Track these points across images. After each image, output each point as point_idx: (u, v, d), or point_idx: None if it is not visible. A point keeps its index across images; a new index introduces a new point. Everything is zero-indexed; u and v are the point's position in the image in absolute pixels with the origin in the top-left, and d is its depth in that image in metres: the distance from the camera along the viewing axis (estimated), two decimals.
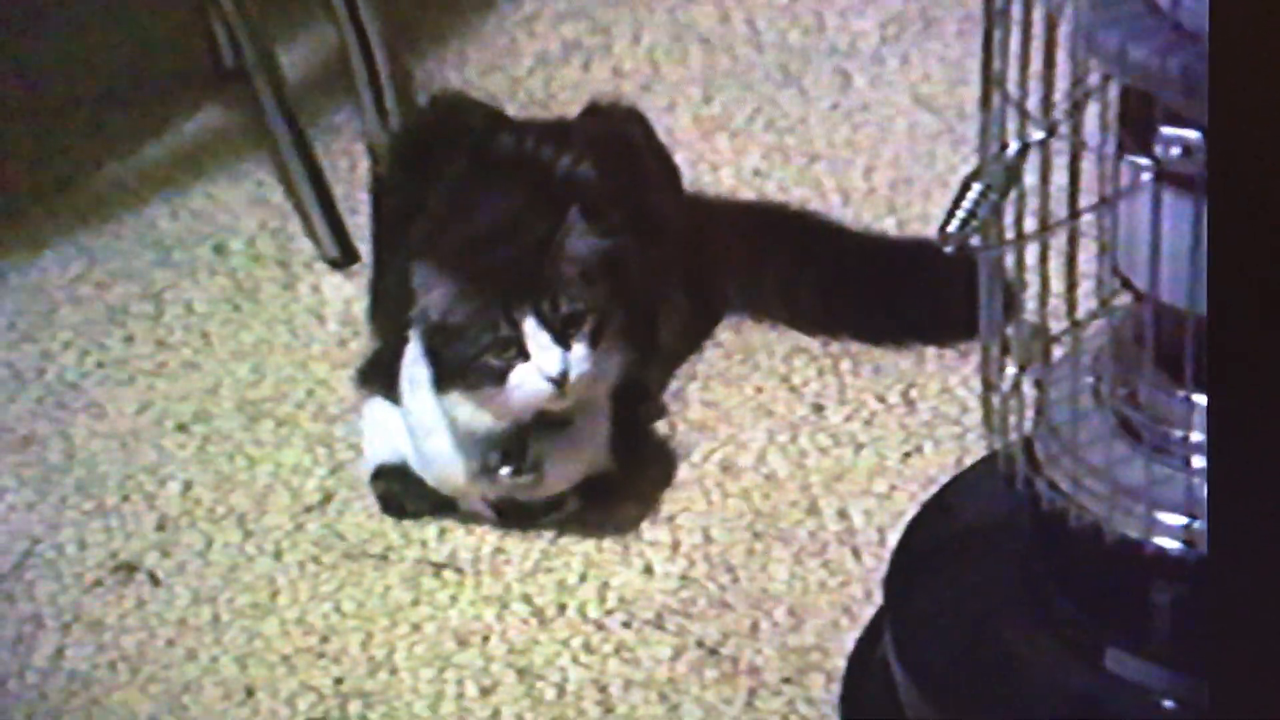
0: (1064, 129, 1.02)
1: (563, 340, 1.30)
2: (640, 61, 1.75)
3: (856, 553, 1.32)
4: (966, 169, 1.60)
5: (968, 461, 1.36)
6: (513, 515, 1.36)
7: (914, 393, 1.43)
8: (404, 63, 1.71)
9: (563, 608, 1.31)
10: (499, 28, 1.80)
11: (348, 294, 1.56)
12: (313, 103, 1.69)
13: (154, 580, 1.35)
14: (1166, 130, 0.96)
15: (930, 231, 1.57)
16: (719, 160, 1.64)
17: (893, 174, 1.61)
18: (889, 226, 1.56)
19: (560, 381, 1.29)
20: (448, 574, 1.34)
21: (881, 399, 1.43)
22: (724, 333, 1.49)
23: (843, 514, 1.35)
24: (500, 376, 1.29)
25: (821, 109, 1.69)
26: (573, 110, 1.62)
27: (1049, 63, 1.02)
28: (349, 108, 1.69)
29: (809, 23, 1.77)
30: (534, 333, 1.29)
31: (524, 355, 1.30)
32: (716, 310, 1.49)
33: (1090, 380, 1.06)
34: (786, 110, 1.69)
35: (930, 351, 1.44)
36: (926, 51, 1.72)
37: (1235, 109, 0.88)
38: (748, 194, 1.60)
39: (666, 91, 1.71)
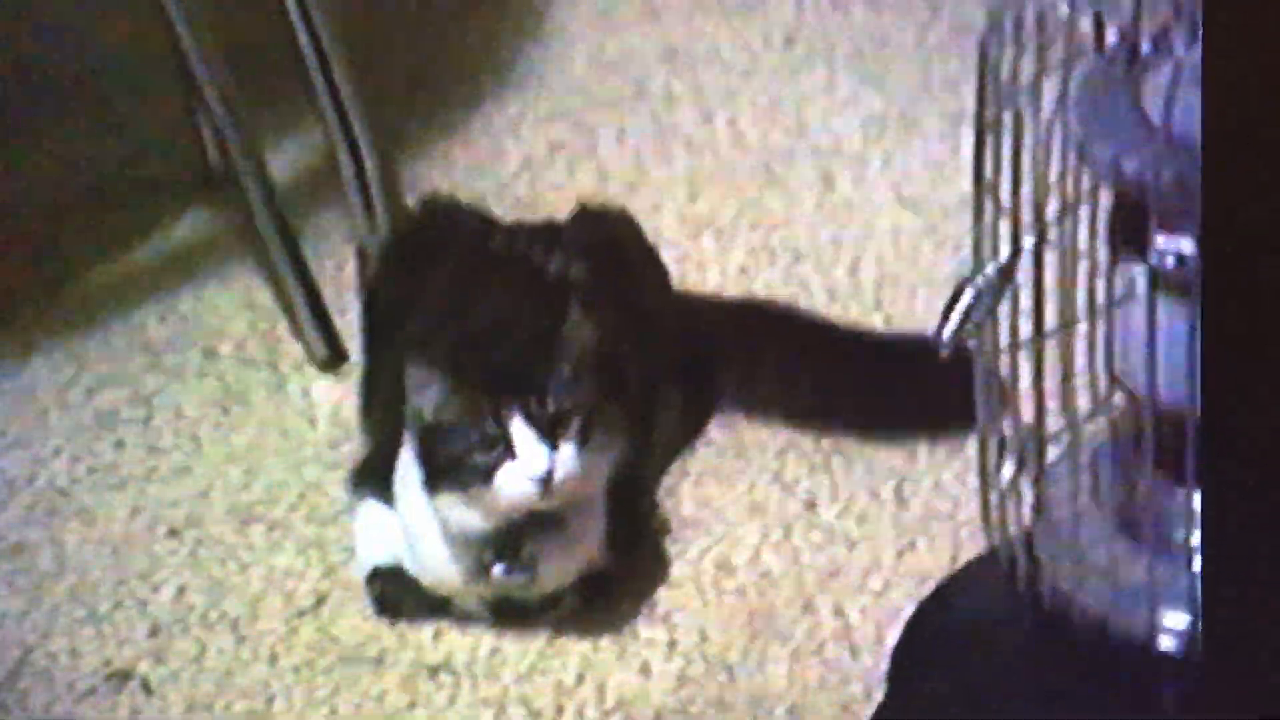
0: (1054, 235, 1.04)
1: (550, 439, 1.30)
2: (625, 163, 1.77)
3: (854, 651, 1.32)
4: (951, 268, 1.67)
5: (962, 558, 1.36)
6: (509, 615, 1.36)
7: (906, 489, 1.43)
8: (391, 165, 1.73)
9: (560, 709, 1.31)
10: (485, 130, 1.82)
11: (337, 396, 1.56)
12: (300, 204, 1.70)
13: (147, 688, 1.34)
14: (1161, 239, 0.97)
15: (918, 328, 1.59)
16: (705, 259, 1.66)
17: (878, 272, 1.63)
18: (876, 323, 1.57)
19: (545, 481, 1.30)
20: (444, 676, 1.34)
21: (874, 495, 1.43)
22: (716, 430, 1.50)
23: (839, 611, 1.35)
24: (486, 475, 1.30)
25: (806, 208, 1.70)
26: (560, 212, 1.63)
27: (1042, 170, 1.03)
28: (336, 210, 1.70)
29: (791, 124, 1.79)
30: (520, 431, 1.30)
31: (511, 454, 1.30)
32: (709, 407, 1.50)
33: (1089, 479, 1.07)
34: (771, 209, 1.70)
35: (922, 447, 1.45)
36: (908, 151, 1.75)
37: (1228, 216, 0.89)
38: (735, 292, 1.61)
39: (652, 192, 1.73)
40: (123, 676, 1.35)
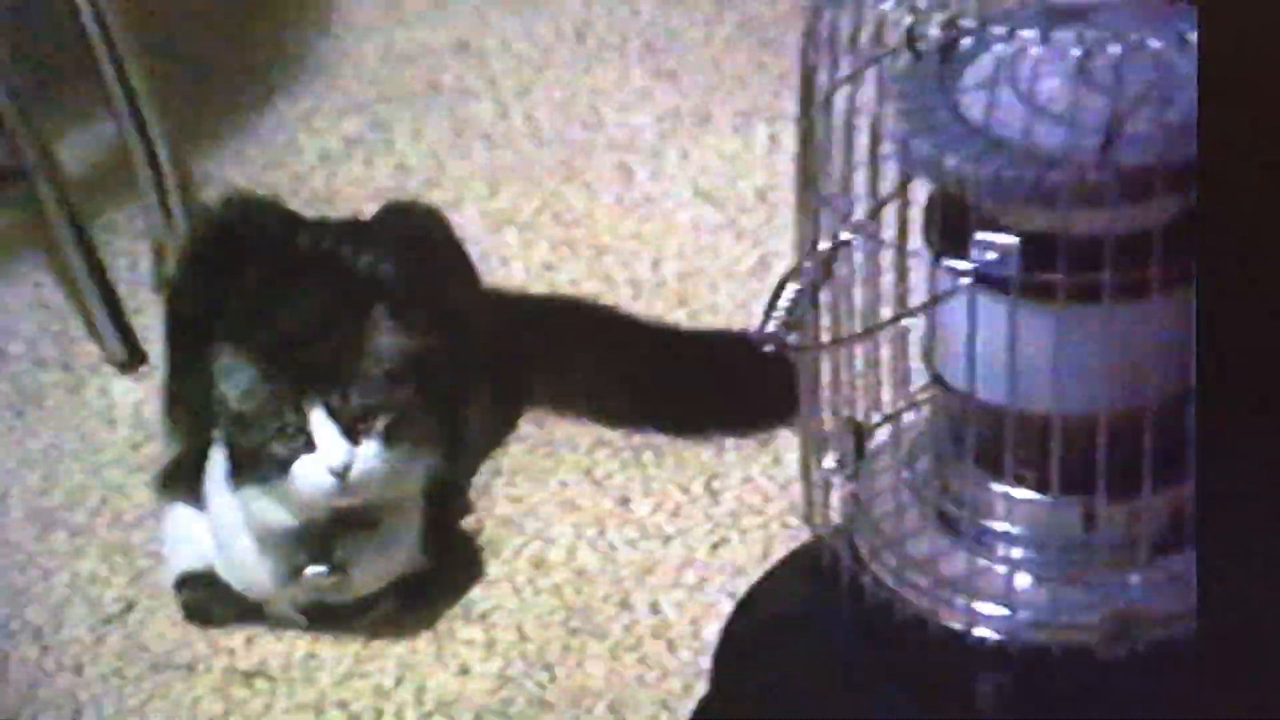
0: (870, 230, 1.06)
1: (351, 435, 1.30)
2: (423, 158, 1.76)
3: (672, 646, 1.33)
4: (752, 261, 1.70)
5: (775, 551, 1.38)
6: (323, 619, 1.35)
7: (717, 483, 1.45)
8: (184, 160, 1.69)
9: (380, 713, 1.30)
10: (278, 124, 1.79)
11: (137, 397, 1.53)
12: (90, 201, 1.66)
13: None
14: (981, 235, 1.00)
15: (719, 322, 1.61)
16: (509, 254, 1.66)
17: (680, 266, 1.64)
18: (680, 318, 1.59)
19: (342, 475, 1.29)
20: (259, 682, 1.32)
21: (685, 490, 1.45)
22: (526, 426, 1.50)
23: (655, 607, 1.36)
24: (284, 465, 1.29)
25: (606, 202, 1.71)
26: (358, 207, 1.62)
27: (857, 165, 1.05)
28: (128, 206, 1.67)
29: (588, 118, 1.80)
30: (320, 424, 1.29)
31: (310, 446, 1.29)
32: (519, 405, 1.51)
33: (907, 474, 1.10)
34: (571, 204, 1.71)
35: (730, 442, 1.47)
36: (704, 146, 1.76)
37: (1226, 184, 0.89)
38: (540, 288, 1.62)
39: (452, 186, 1.72)
40: None
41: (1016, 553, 1.06)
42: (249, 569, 1.34)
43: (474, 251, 1.60)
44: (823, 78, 1.02)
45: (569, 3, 1.90)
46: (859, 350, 1.07)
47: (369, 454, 1.30)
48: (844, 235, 1.06)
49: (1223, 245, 0.90)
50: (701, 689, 1.28)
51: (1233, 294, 0.90)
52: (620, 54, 1.85)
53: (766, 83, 1.80)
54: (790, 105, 1.79)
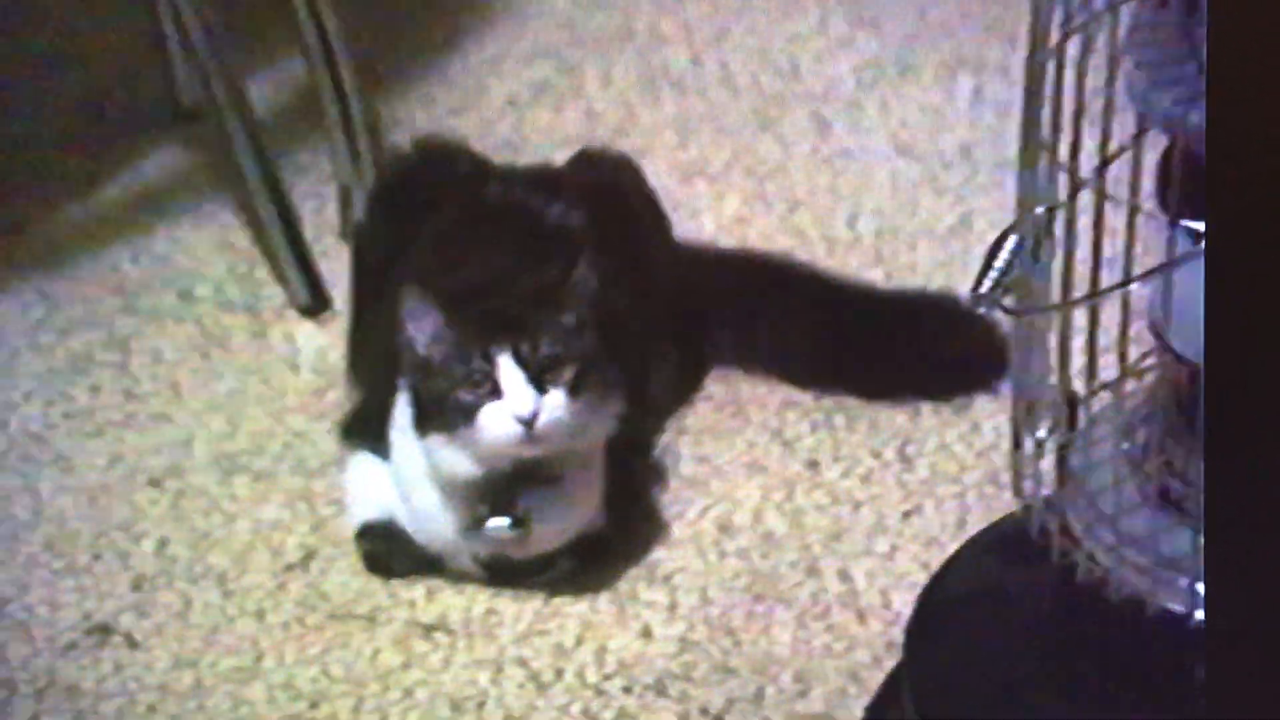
0: (1093, 187, 1.00)
1: (538, 383, 1.27)
2: (613, 104, 1.72)
3: (861, 616, 1.29)
4: (952, 220, 1.64)
5: (970, 522, 1.33)
6: (503, 575, 1.33)
7: (910, 449, 1.40)
8: (371, 103, 1.67)
9: (560, 672, 1.27)
10: (465, 69, 1.76)
11: (321, 343, 1.51)
12: (277, 142, 1.64)
13: (131, 642, 1.29)
14: None
15: (917, 282, 1.56)
16: (699, 206, 1.61)
17: (877, 222, 1.59)
18: (877, 277, 1.53)
19: (529, 424, 1.26)
20: (439, 636, 1.30)
21: (877, 455, 1.40)
22: (713, 385, 1.46)
23: (844, 575, 1.32)
24: (470, 413, 1.26)
25: (800, 155, 1.66)
26: (546, 154, 1.59)
27: (1099, 117, 0.99)
28: (315, 148, 1.65)
29: (784, 67, 1.75)
30: (508, 371, 1.26)
31: (497, 394, 1.26)
32: (705, 362, 1.47)
33: (1126, 447, 1.04)
34: (764, 156, 1.66)
35: (926, 407, 1.42)
36: (904, 97, 1.71)
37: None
38: (730, 241, 1.57)
39: (641, 135, 1.68)
40: (105, 630, 1.30)
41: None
42: (431, 519, 1.32)
43: (664, 202, 1.56)
44: (1055, 19, 0.96)
45: None
46: (1079, 315, 1.02)
47: (555, 403, 1.27)
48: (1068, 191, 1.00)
49: (1234, 220, 0.84)
50: (891, 662, 1.23)
51: (1245, 273, 0.84)
52: (819, 0, 1.80)
53: (973, 31, 1.74)
54: (997, 55, 1.75)
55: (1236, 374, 0.85)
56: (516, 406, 1.26)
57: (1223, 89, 0.85)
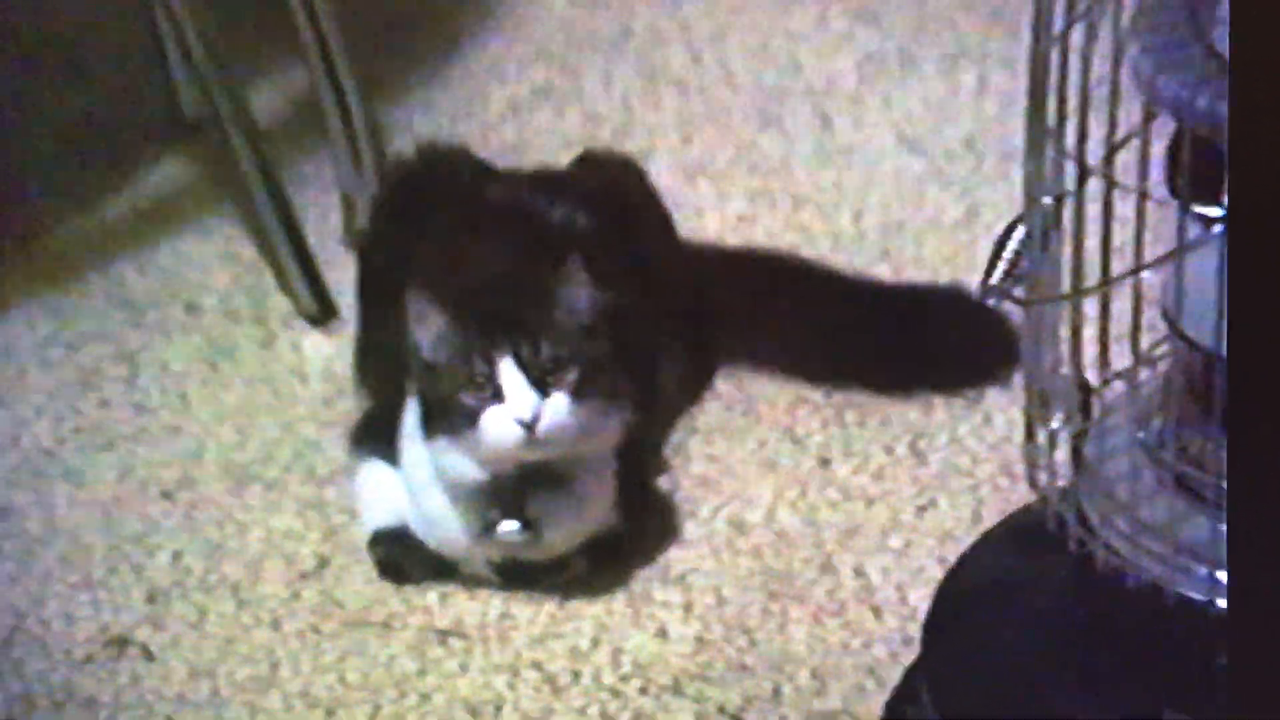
0: (1101, 175, 1.00)
1: (540, 387, 1.27)
2: (613, 106, 1.72)
3: (877, 612, 1.29)
4: (958, 213, 1.64)
5: (984, 515, 1.33)
6: (517, 578, 1.32)
7: (923, 444, 1.40)
8: (372, 110, 1.67)
9: (576, 674, 1.27)
10: (465, 74, 1.76)
11: (329, 352, 1.51)
12: (280, 152, 1.64)
13: (148, 654, 1.29)
14: None
15: (924, 276, 1.55)
16: (703, 205, 1.61)
17: (882, 218, 1.59)
18: (884, 272, 1.53)
19: (530, 426, 1.26)
20: (454, 641, 1.30)
21: (890, 451, 1.40)
22: (723, 384, 1.46)
23: (859, 571, 1.32)
24: (473, 416, 1.26)
25: (804, 151, 1.66)
26: (549, 157, 1.59)
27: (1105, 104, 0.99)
28: (317, 156, 1.65)
29: (784, 63, 1.75)
30: (509, 374, 1.26)
31: (499, 397, 1.26)
32: (714, 361, 1.46)
33: (1141, 435, 1.04)
34: (768, 153, 1.66)
35: (938, 401, 1.42)
36: (908, 90, 1.70)
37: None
38: (735, 240, 1.57)
39: (644, 135, 1.68)
40: (121, 643, 1.30)
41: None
42: (441, 524, 1.32)
43: (667, 202, 1.56)
44: (1058, 5, 0.95)
45: None
46: (1090, 304, 1.01)
47: (558, 406, 1.27)
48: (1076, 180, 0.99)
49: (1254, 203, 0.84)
50: (908, 657, 1.23)
51: (1266, 258, 0.84)
52: None
53: (975, 22, 1.74)
54: (1000, 45, 1.75)
55: (1258, 359, 0.84)
56: (517, 409, 1.26)
57: (1244, 73, 0.85)
